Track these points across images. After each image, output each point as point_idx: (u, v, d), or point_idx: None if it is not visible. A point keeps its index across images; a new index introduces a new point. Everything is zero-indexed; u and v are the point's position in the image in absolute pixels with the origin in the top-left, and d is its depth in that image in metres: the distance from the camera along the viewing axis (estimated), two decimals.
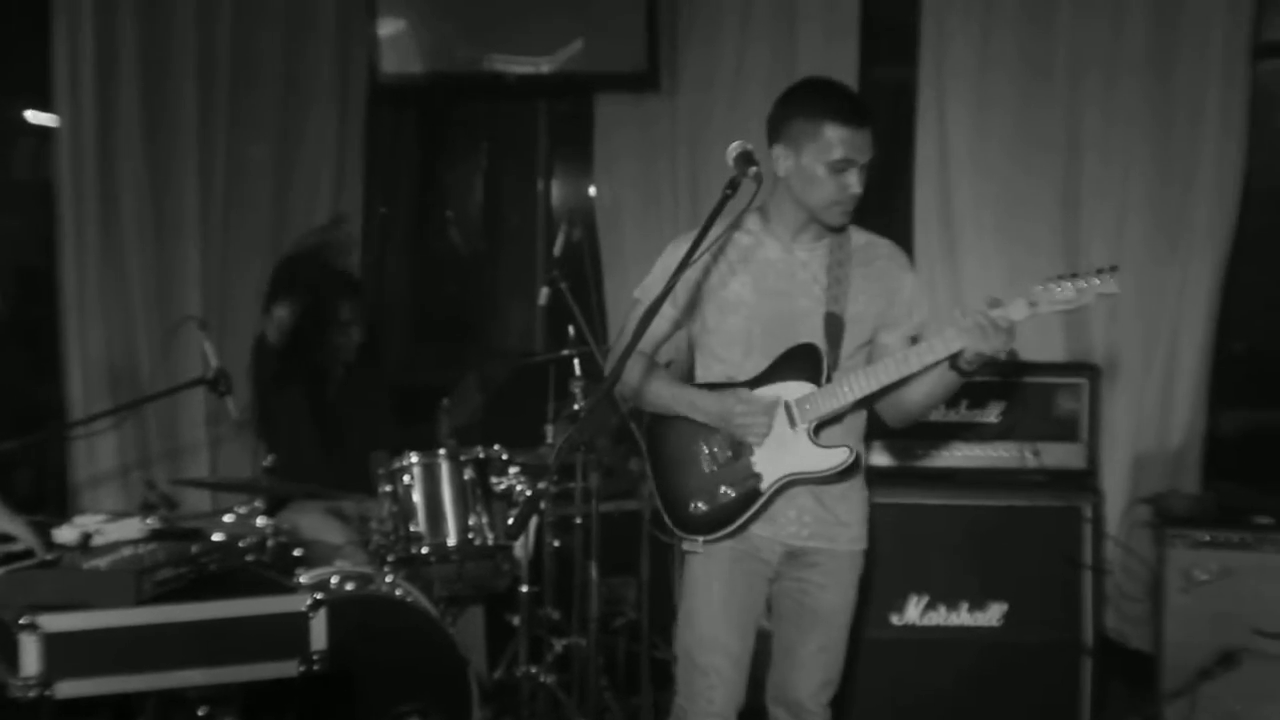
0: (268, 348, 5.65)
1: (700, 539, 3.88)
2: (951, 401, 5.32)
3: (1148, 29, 5.85)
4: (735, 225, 3.78)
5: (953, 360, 3.69)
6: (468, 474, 5.23)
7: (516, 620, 5.49)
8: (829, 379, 3.78)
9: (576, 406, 5.54)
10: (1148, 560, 5.52)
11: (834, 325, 3.82)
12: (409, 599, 4.75)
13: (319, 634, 3.60)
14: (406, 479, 5.18)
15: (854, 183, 3.73)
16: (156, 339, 6.07)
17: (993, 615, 5.26)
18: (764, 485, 3.81)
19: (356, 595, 4.62)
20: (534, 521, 5.62)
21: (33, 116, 6.32)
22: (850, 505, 3.95)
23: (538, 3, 6.77)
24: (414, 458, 5.21)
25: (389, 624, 4.62)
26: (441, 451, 5.25)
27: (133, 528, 3.88)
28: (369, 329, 5.97)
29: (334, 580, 4.64)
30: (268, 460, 4.98)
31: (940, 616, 5.28)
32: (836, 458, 3.80)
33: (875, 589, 4.81)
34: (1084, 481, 5.41)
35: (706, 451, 3.86)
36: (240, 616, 3.56)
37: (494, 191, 7.99)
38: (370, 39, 6.82)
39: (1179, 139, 5.86)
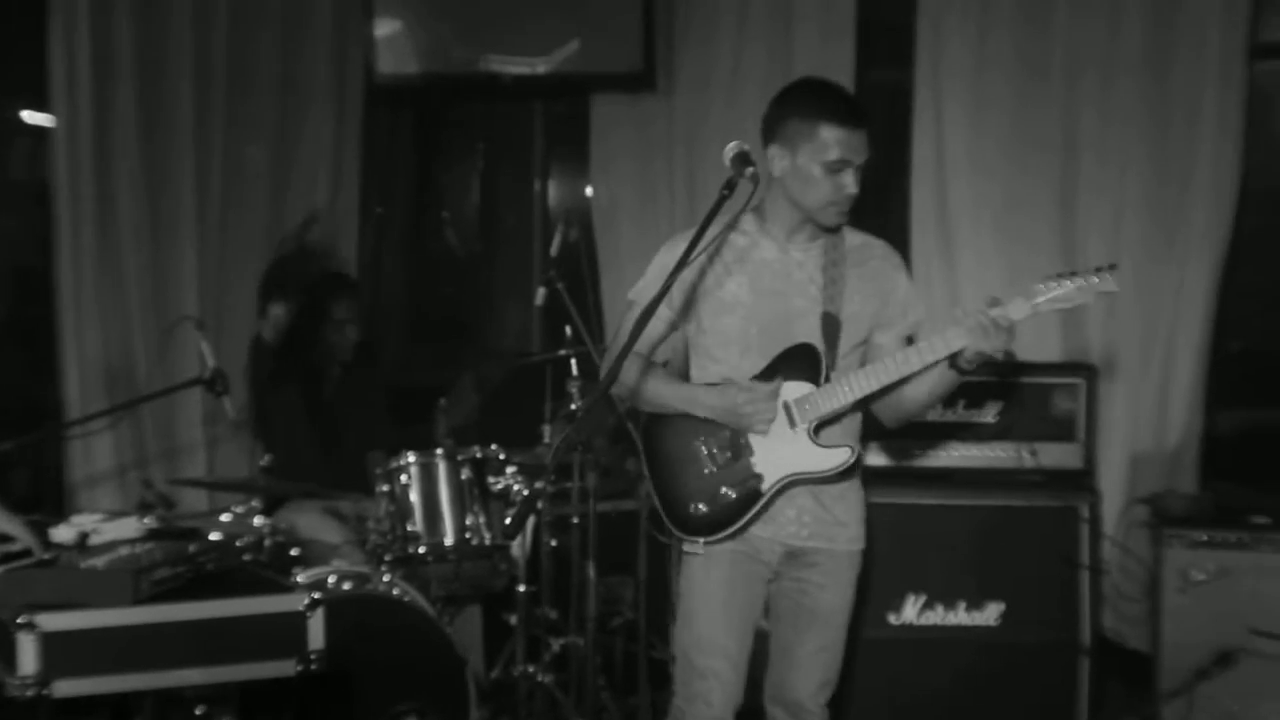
0: (264, 347, 5.66)
1: (701, 540, 3.86)
2: (949, 401, 5.32)
3: (1144, 29, 5.86)
4: (731, 226, 3.77)
5: (952, 359, 3.69)
6: (465, 474, 5.23)
7: (514, 620, 5.48)
8: (827, 379, 3.78)
9: (573, 406, 5.54)
10: (1145, 560, 5.52)
11: (831, 325, 3.82)
12: (406, 598, 4.75)
13: (316, 633, 3.60)
14: (404, 479, 5.18)
15: (850, 183, 3.73)
16: (153, 339, 6.07)
17: (990, 615, 5.26)
18: (765, 486, 3.80)
19: (354, 595, 4.62)
20: (531, 521, 5.61)
21: (29, 117, 6.31)
22: (848, 505, 3.95)
23: (534, 3, 6.76)
24: (411, 457, 5.20)
25: (386, 623, 4.62)
26: (439, 451, 5.24)
27: (130, 527, 3.87)
28: (366, 328, 5.96)
29: (331, 580, 4.64)
30: (265, 460, 4.98)
31: (937, 616, 5.28)
32: (838, 457, 3.80)
33: (873, 589, 4.81)
34: (1081, 481, 5.40)
35: (705, 452, 3.85)
36: (237, 616, 3.55)
37: (490, 192, 8.00)
38: (366, 40, 6.81)
39: (1176, 139, 5.87)
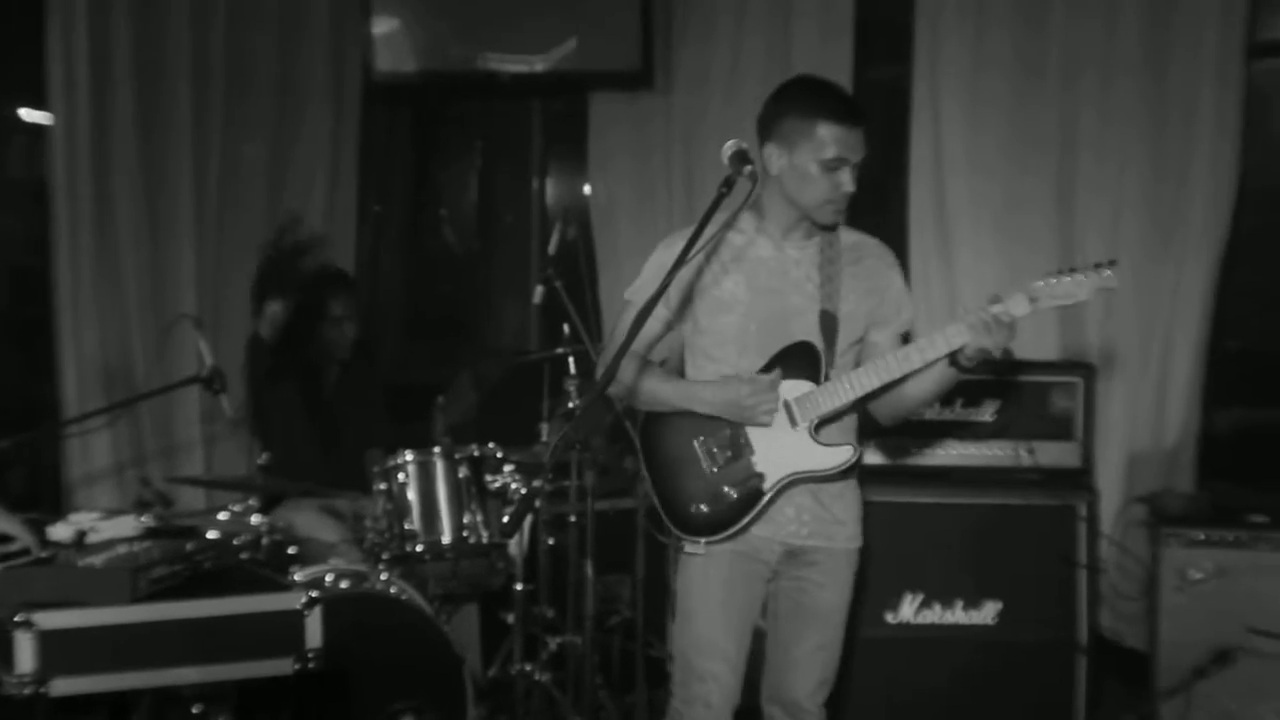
0: (262, 345, 5.65)
1: (702, 540, 3.85)
2: (946, 400, 5.33)
3: (1141, 28, 5.86)
4: (728, 225, 3.77)
5: (953, 357, 3.69)
6: (462, 472, 5.22)
7: (511, 618, 5.48)
8: (826, 377, 3.78)
9: (571, 405, 5.54)
10: (1142, 559, 5.52)
11: (829, 323, 3.82)
12: (404, 597, 4.75)
13: (314, 632, 3.59)
14: (401, 477, 5.17)
15: (847, 181, 3.73)
16: (151, 337, 6.07)
17: (988, 614, 5.26)
18: (767, 485, 3.80)
19: (351, 593, 4.62)
20: (529, 519, 5.61)
21: (27, 115, 6.31)
22: (846, 503, 3.95)
23: (531, 2, 6.76)
24: (409, 455, 5.19)
25: (384, 622, 4.61)
26: (436, 449, 5.24)
27: (128, 525, 3.87)
28: (364, 326, 5.96)
29: (329, 578, 4.64)
30: (262, 458, 4.98)
31: (935, 615, 5.28)
32: (841, 455, 3.80)
33: (870, 587, 4.81)
34: (1079, 480, 5.40)
35: (706, 451, 3.84)
36: (235, 614, 3.55)
37: (488, 190, 8.00)
38: (364, 38, 6.81)
39: (1174, 138, 5.86)
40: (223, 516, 4.64)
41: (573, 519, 5.57)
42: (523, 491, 5.36)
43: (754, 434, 3.81)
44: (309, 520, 5.34)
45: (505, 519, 5.32)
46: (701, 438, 3.85)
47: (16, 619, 3.24)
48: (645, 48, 6.61)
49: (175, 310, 6.06)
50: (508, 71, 6.76)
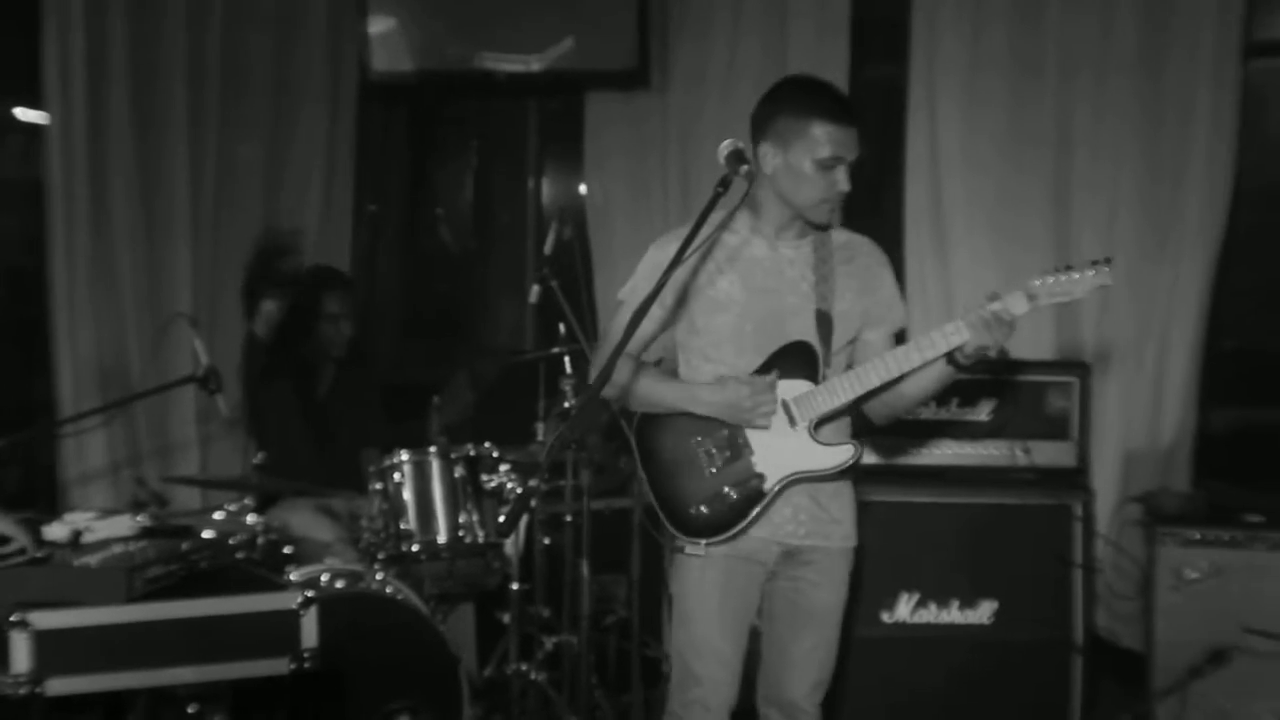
0: (257, 344, 5.65)
1: (703, 542, 3.83)
2: (942, 399, 5.33)
3: (1138, 26, 5.86)
4: (724, 225, 3.77)
5: (950, 355, 3.69)
6: (458, 471, 5.22)
7: (507, 618, 5.49)
8: (824, 376, 3.78)
9: (567, 404, 5.53)
10: (1138, 558, 5.52)
11: (824, 322, 3.82)
12: (399, 596, 4.75)
13: (309, 631, 3.59)
14: (397, 476, 5.17)
15: (842, 180, 3.72)
16: (147, 337, 6.06)
17: (983, 613, 5.26)
18: (768, 485, 3.79)
19: (347, 593, 4.62)
20: (525, 519, 5.61)
21: (22, 114, 6.30)
22: (842, 502, 3.94)
23: (528, 1, 6.76)
24: (404, 455, 5.20)
25: (379, 621, 4.61)
26: (432, 449, 5.24)
27: (123, 525, 3.87)
28: (360, 325, 5.96)
29: (324, 578, 4.64)
30: (258, 458, 4.98)
31: (931, 614, 5.28)
32: (842, 455, 3.80)
33: (866, 586, 4.82)
34: (1074, 480, 5.41)
35: (704, 453, 3.83)
36: (231, 614, 3.55)
37: (484, 189, 7.99)
38: (361, 37, 6.80)
39: (1170, 137, 5.87)
40: (218, 516, 4.64)
41: (568, 518, 5.57)
42: (519, 491, 5.36)
43: (753, 434, 3.80)
44: (304, 520, 5.34)
45: (501, 518, 5.33)
46: (699, 438, 3.83)
47: (12, 619, 3.24)
48: (641, 47, 6.60)
49: (171, 310, 6.04)
50: (504, 71, 6.75)
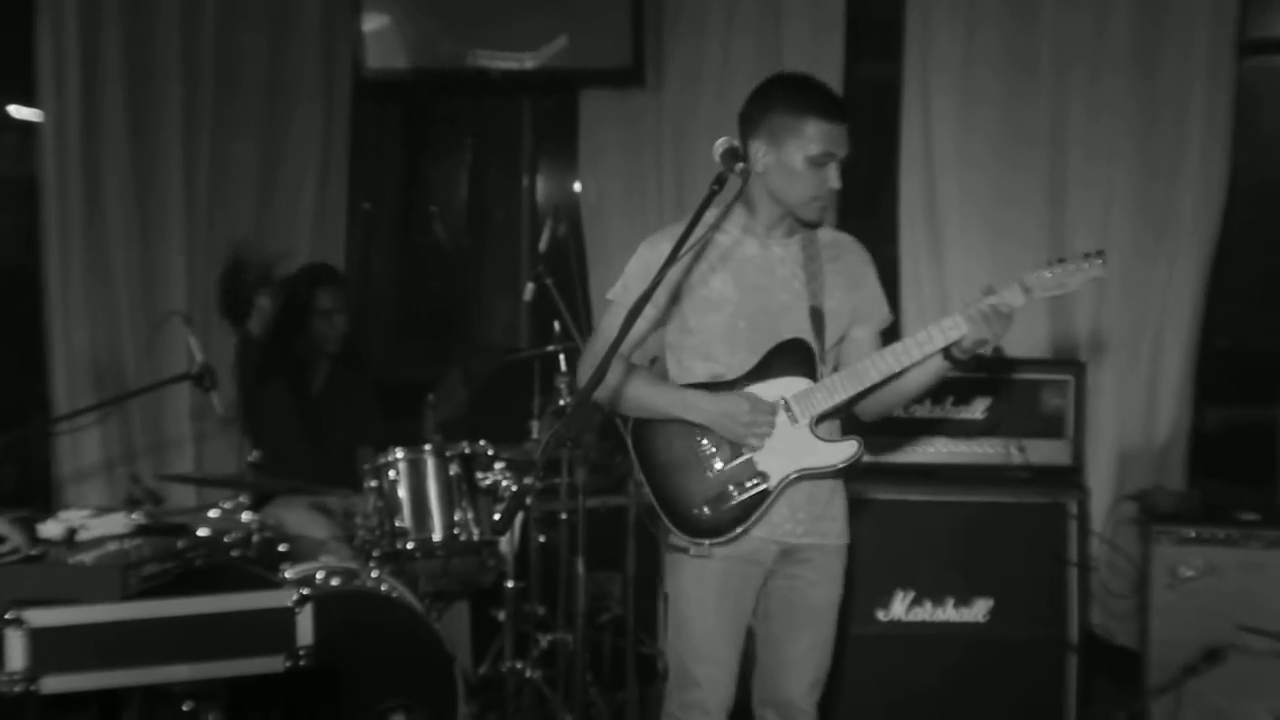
0: (252, 342, 5.64)
1: (707, 543, 3.80)
2: (937, 397, 5.34)
3: (1132, 24, 5.87)
4: (717, 225, 3.76)
5: (946, 349, 3.69)
6: (453, 469, 5.21)
7: (502, 616, 5.47)
8: (821, 373, 3.77)
9: (562, 402, 5.53)
10: (1133, 557, 5.53)
11: (818, 320, 3.81)
12: (394, 594, 4.75)
13: (304, 629, 3.58)
14: (392, 474, 5.17)
15: (833, 177, 3.72)
16: (141, 335, 6.07)
17: (978, 611, 5.26)
18: (772, 484, 3.77)
19: (342, 590, 4.62)
20: (520, 517, 5.60)
21: (16, 111, 6.30)
22: (837, 500, 3.94)
23: None
24: (399, 453, 5.19)
25: (374, 619, 4.61)
26: (427, 447, 5.23)
27: (118, 523, 3.86)
28: (354, 321, 5.95)
29: (319, 575, 4.64)
30: (253, 455, 4.98)
31: (926, 612, 5.28)
32: (845, 451, 3.78)
33: (861, 585, 4.82)
34: (1069, 478, 5.41)
35: (706, 452, 3.81)
36: (226, 612, 3.53)
37: (479, 187, 7.99)
38: (355, 35, 6.79)
39: (1164, 135, 5.88)
40: (213, 514, 4.63)
41: (564, 516, 5.55)
42: (513, 489, 5.35)
43: None
44: (300, 518, 5.33)
45: (496, 516, 5.31)
46: (699, 437, 3.81)
47: (7, 617, 3.23)
48: (636, 45, 6.60)
49: (165, 307, 6.05)
50: (498, 68, 6.75)
